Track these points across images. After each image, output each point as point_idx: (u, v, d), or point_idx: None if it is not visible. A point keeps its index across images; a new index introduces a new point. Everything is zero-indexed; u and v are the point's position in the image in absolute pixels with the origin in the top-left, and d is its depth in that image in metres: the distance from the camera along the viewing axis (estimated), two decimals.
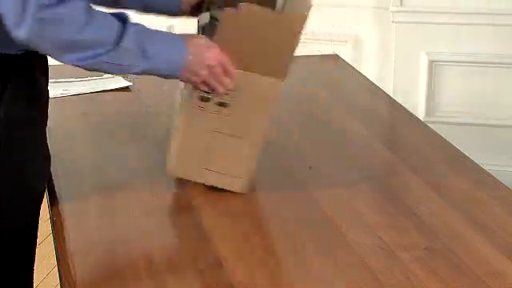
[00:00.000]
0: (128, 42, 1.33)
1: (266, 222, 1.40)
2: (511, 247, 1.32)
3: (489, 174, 1.60)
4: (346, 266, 1.29)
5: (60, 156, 1.58)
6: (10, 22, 1.27)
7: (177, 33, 1.43)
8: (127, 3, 1.59)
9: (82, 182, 1.55)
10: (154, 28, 1.38)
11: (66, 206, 1.46)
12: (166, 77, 1.40)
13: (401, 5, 3.10)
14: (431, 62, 3.16)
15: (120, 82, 2.06)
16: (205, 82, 1.41)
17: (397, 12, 3.11)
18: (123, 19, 1.35)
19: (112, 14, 1.35)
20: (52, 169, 1.56)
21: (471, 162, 1.66)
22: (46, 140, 1.49)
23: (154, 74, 1.39)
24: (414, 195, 1.50)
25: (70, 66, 1.35)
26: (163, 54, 1.37)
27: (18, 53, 1.35)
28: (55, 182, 1.54)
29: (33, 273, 1.60)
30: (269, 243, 1.35)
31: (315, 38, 3.23)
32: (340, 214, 1.41)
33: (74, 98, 1.95)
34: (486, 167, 1.64)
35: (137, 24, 1.36)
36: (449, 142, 1.76)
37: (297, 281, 1.24)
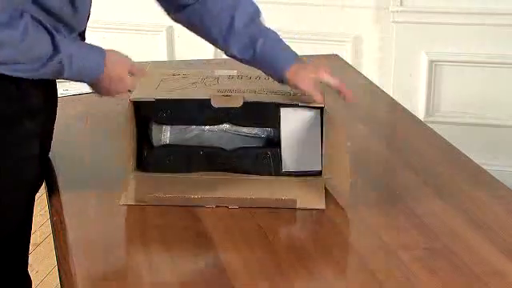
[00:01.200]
0: (48, 69, 1.37)
1: (266, 222, 1.40)
2: (511, 247, 1.32)
3: (489, 174, 1.60)
4: (346, 266, 1.29)
5: (60, 155, 1.58)
6: None
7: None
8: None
9: (81, 181, 1.55)
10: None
11: (65, 206, 1.46)
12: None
13: (401, 5, 3.10)
14: (431, 62, 3.16)
15: None
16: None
17: (397, 12, 3.11)
18: (54, 46, 1.36)
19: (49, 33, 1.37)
20: (52, 168, 1.56)
21: (471, 162, 1.66)
22: (42, 137, 1.49)
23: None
24: (414, 195, 1.50)
25: None
26: (79, 75, 1.44)
27: None
28: (55, 182, 1.54)
29: (27, 267, 1.60)
30: (269, 243, 1.35)
31: (315, 38, 3.23)
32: (339, 213, 1.41)
33: (73, 98, 1.95)
34: (485, 167, 1.64)
35: (64, 50, 1.37)
36: (449, 142, 1.76)
37: (297, 281, 1.24)
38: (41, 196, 1.60)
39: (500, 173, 1.79)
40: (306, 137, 1.52)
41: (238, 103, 1.51)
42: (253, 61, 1.56)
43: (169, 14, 1.63)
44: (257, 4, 1.61)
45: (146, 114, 1.53)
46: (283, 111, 1.52)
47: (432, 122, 2.45)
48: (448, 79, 3.17)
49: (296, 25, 3.25)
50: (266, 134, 1.57)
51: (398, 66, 3.19)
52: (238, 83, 1.63)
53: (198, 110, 1.52)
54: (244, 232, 1.37)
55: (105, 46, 1.45)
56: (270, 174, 1.53)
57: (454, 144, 1.75)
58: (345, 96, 1.56)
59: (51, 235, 1.42)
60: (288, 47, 1.58)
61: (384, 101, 2.13)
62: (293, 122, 1.52)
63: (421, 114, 3.12)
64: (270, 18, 3.25)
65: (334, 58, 2.44)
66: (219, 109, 1.51)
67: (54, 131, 1.57)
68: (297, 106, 1.51)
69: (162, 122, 1.54)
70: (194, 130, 1.55)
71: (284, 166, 1.53)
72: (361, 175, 1.57)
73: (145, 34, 3.51)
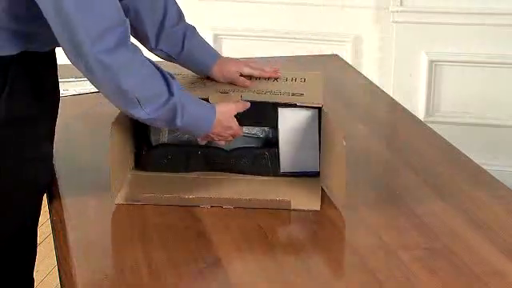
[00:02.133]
0: (163, 113, 1.38)
1: (266, 222, 1.40)
2: (511, 247, 1.32)
3: (489, 174, 1.60)
4: (346, 265, 1.29)
5: (60, 156, 1.58)
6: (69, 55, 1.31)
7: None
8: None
9: (81, 181, 1.55)
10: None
11: (65, 206, 1.46)
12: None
13: (401, 5, 3.10)
14: (431, 62, 3.16)
15: None
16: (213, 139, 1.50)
17: (397, 12, 3.11)
18: (169, 87, 1.37)
19: (162, 75, 1.38)
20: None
21: (471, 162, 1.66)
22: (50, 138, 1.49)
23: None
24: (414, 195, 1.50)
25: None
26: (188, 129, 1.46)
27: (16, 53, 1.35)
28: (55, 182, 1.54)
29: (33, 270, 1.61)
30: (268, 243, 1.35)
31: (315, 38, 3.23)
32: (340, 213, 1.41)
33: (74, 98, 1.95)
34: (485, 167, 1.64)
35: (179, 96, 1.39)
36: (449, 142, 1.76)
37: (297, 281, 1.24)
38: None
39: (500, 173, 1.79)
40: (304, 137, 1.52)
41: (236, 101, 1.51)
42: (179, 57, 1.65)
43: None
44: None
45: None
46: (281, 111, 1.52)
47: (432, 122, 2.45)
48: (448, 79, 3.17)
49: (296, 25, 3.25)
50: (264, 134, 1.57)
51: (398, 66, 3.19)
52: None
53: None
54: (244, 232, 1.37)
55: None
56: (268, 175, 1.53)
57: (454, 144, 1.75)
58: (270, 75, 1.66)
59: (51, 235, 1.42)
60: (209, 44, 1.70)
61: (384, 101, 2.13)
62: (291, 123, 1.52)
63: (421, 114, 3.12)
64: (270, 18, 3.25)
65: (334, 58, 2.44)
66: None
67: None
68: (295, 105, 1.51)
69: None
70: None
71: (282, 167, 1.53)
72: (361, 175, 1.58)
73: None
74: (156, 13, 1.63)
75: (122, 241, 1.36)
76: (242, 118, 1.51)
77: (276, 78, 1.66)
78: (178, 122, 1.39)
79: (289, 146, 1.53)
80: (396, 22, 3.14)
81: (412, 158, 1.68)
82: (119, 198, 1.46)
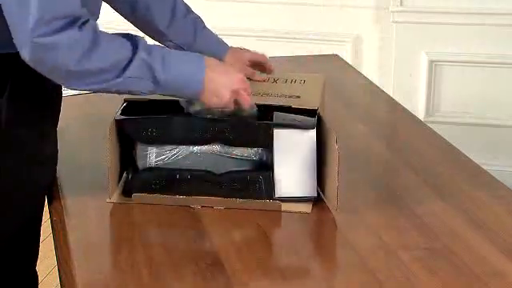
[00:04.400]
0: (134, 71, 1.32)
1: (266, 222, 1.40)
2: (511, 247, 1.31)
3: (489, 174, 1.60)
4: (346, 266, 1.29)
5: (60, 156, 1.58)
6: (15, 40, 1.27)
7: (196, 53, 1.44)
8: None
9: (81, 181, 1.55)
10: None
11: (65, 206, 1.46)
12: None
13: (401, 5, 3.10)
14: (431, 62, 3.16)
15: None
16: (227, 104, 1.41)
17: (397, 12, 3.11)
18: (134, 43, 1.33)
19: (125, 36, 1.34)
20: None
21: (471, 162, 1.66)
22: (52, 139, 1.49)
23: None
24: (414, 195, 1.50)
25: None
26: (177, 79, 1.36)
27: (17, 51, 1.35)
28: (55, 182, 1.54)
29: (35, 267, 1.61)
30: (268, 243, 1.35)
31: (315, 38, 3.23)
32: (340, 213, 1.41)
33: (74, 98, 1.95)
34: (485, 167, 1.64)
35: (150, 48, 1.34)
36: (449, 142, 1.76)
37: (296, 280, 1.24)
38: None
39: (500, 173, 1.79)
40: (301, 160, 1.44)
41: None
42: (191, 49, 1.65)
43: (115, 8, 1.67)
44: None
45: (130, 133, 1.46)
46: (276, 132, 1.43)
47: (432, 122, 2.45)
48: (448, 79, 3.17)
49: (296, 25, 3.25)
50: (258, 156, 1.47)
51: (398, 66, 3.18)
52: None
53: (184, 129, 1.45)
54: (244, 232, 1.37)
55: None
56: (262, 199, 1.44)
57: (454, 144, 1.75)
58: (268, 68, 1.69)
59: (51, 235, 1.42)
60: (216, 35, 1.72)
61: (384, 101, 2.13)
62: (286, 144, 1.44)
63: (421, 114, 3.12)
64: (270, 18, 3.25)
65: (334, 58, 2.44)
66: (207, 127, 1.44)
67: None
68: (290, 126, 1.44)
69: (147, 142, 1.45)
70: (182, 151, 1.46)
71: (277, 192, 1.44)
72: (361, 175, 1.58)
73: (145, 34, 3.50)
74: (165, 6, 1.64)
75: (122, 241, 1.36)
76: (234, 138, 1.44)
77: (276, 80, 1.65)
78: (161, 75, 1.33)
79: (284, 169, 1.44)
80: (396, 22, 3.14)
81: (412, 158, 1.68)
82: (114, 198, 1.45)
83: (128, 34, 1.35)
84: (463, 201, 1.48)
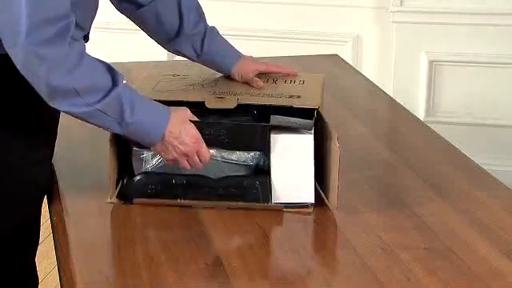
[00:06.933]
0: (106, 104, 1.32)
1: (266, 222, 1.40)
2: (511, 247, 1.32)
3: (489, 174, 1.60)
4: (346, 265, 1.29)
5: (60, 156, 1.58)
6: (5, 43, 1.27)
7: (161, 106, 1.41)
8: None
9: (82, 182, 1.55)
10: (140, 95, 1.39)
11: (65, 206, 1.46)
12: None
13: (401, 5, 3.10)
14: (431, 62, 3.16)
15: None
16: (175, 160, 1.41)
17: (397, 12, 3.11)
18: (113, 79, 1.33)
19: (107, 67, 1.33)
20: (52, 169, 1.56)
21: (471, 162, 1.66)
22: (51, 140, 1.49)
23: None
24: (414, 195, 1.50)
25: None
26: (141, 127, 1.36)
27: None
28: (55, 182, 1.54)
29: (35, 268, 1.61)
30: (268, 243, 1.35)
31: (315, 38, 3.23)
32: (340, 213, 1.41)
33: None
34: (485, 167, 1.64)
35: (124, 89, 1.34)
36: (449, 142, 1.76)
37: (296, 280, 1.24)
38: None
39: (500, 173, 1.79)
40: (298, 165, 1.43)
41: (232, 104, 1.49)
42: (198, 59, 1.67)
43: (122, 11, 1.67)
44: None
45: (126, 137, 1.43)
46: (273, 137, 1.42)
47: (432, 122, 2.45)
48: (448, 79, 3.17)
49: (296, 25, 3.25)
50: (255, 161, 1.45)
51: (398, 65, 3.18)
52: (235, 85, 1.62)
53: None
54: (244, 232, 1.37)
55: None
56: (259, 202, 1.43)
57: (454, 144, 1.75)
58: (288, 73, 1.68)
59: (51, 235, 1.42)
60: (230, 44, 1.69)
61: (384, 101, 2.13)
62: (283, 148, 1.43)
63: (421, 114, 3.12)
64: (270, 18, 3.25)
65: (334, 58, 2.44)
66: (202, 131, 1.41)
67: None
68: (287, 129, 1.43)
69: (142, 146, 1.44)
70: None
71: (274, 198, 1.43)
72: (361, 175, 1.58)
73: (145, 34, 3.50)
74: (174, 15, 1.63)
75: (121, 241, 1.36)
76: (231, 142, 1.43)
77: (275, 80, 1.64)
78: (128, 117, 1.33)
79: (281, 175, 1.43)
80: (396, 22, 3.14)
81: (412, 158, 1.68)
82: (114, 198, 1.45)
83: (109, 65, 1.34)
84: (463, 201, 1.48)
